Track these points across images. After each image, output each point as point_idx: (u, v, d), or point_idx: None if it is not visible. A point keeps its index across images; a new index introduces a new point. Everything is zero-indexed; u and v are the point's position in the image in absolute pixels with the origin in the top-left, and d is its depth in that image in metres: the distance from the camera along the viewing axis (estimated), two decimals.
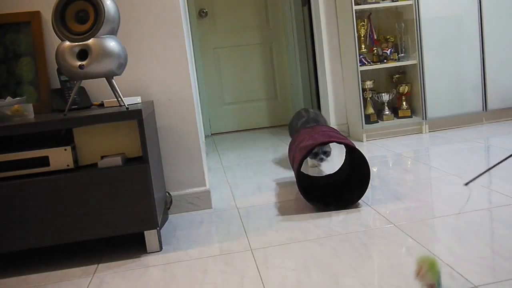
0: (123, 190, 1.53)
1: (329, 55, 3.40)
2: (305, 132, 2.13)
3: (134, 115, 1.51)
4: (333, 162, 2.64)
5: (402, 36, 3.28)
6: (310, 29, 3.93)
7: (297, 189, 1.93)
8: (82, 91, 1.87)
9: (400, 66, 3.32)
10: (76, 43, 1.50)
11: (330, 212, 1.81)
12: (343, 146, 2.94)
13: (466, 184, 1.86)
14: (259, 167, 2.76)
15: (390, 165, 2.45)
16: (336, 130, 2.13)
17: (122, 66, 1.57)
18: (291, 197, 2.05)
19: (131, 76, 1.95)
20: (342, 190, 1.97)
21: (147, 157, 1.55)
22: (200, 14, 4.18)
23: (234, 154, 3.25)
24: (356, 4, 3.09)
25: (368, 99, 3.25)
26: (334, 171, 2.27)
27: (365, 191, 1.82)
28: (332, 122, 3.45)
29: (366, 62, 3.18)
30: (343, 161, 2.19)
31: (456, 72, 3.18)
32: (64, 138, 1.68)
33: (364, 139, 3.17)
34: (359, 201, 1.88)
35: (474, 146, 2.66)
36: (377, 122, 3.24)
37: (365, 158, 1.81)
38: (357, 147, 1.85)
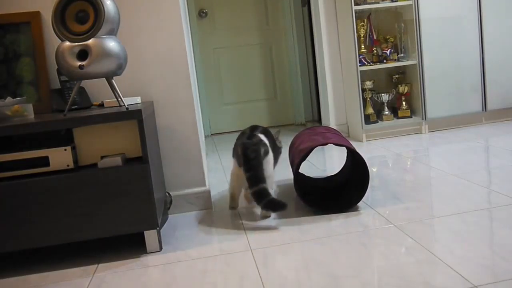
0: (123, 190, 1.53)
1: (329, 55, 3.40)
2: (304, 133, 2.12)
3: (134, 115, 1.51)
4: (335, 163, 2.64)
5: (402, 36, 3.28)
6: (310, 29, 3.92)
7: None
8: (82, 91, 1.87)
9: (399, 66, 3.32)
10: (76, 43, 1.50)
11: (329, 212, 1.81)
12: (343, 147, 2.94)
13: None
14: None
15: (390, 165, 2.45)
16: (337, 131, 2.13)
17: (122, 66, 1.58)
18: (291, 197, 2.05)
19: (131, 76, 1.95)
20: (341, 192, 1.97)
21: (147, 157, 1.55)
22: (200, 14, 4.18)
23: None
24: (356, 4, 3.08)
25: (368, 99, 3.25)
26: (334, 173, 2.27)
27: (363, 195, 1.80)
28: (332, 122, 3.45)
29: (366, 62, 3.18)
30: (344, 163, 2.19)
31: (455, 72, 3.18)
32: (64, 138, 1.68)
33: (364, 139, 3.17)
34: (360, 201, 1.88)
35: (473, 146, 2.66)
36: (377, 122, 3.24)
37: (364, 161, 1.79)
38: (356, 149, 1.85)
